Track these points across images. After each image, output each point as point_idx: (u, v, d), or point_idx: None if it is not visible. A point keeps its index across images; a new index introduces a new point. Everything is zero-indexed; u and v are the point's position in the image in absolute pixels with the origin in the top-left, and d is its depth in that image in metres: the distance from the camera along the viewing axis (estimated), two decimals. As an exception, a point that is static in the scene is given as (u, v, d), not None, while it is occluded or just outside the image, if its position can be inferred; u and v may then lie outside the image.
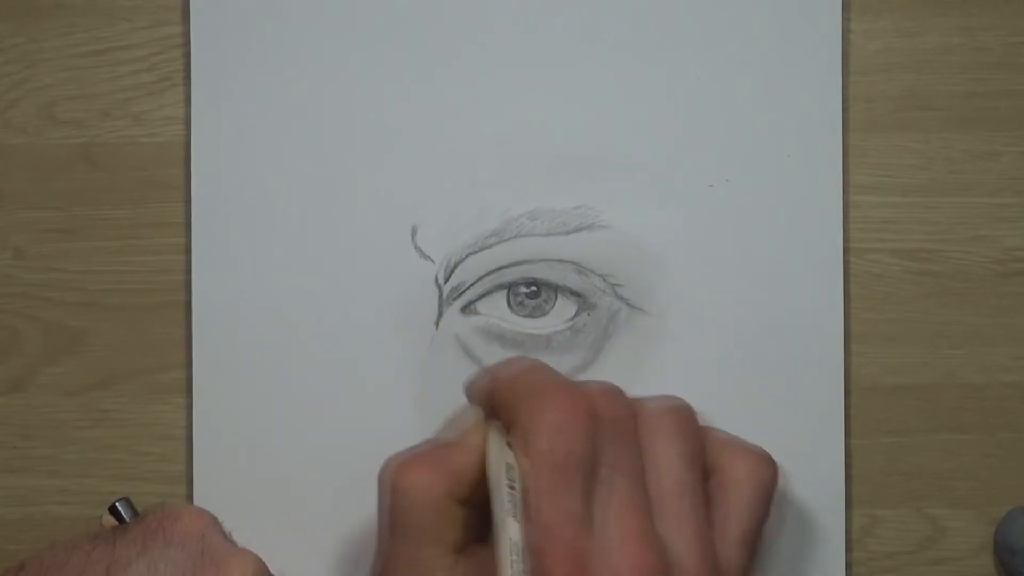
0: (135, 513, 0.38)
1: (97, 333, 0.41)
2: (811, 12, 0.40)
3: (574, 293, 0.40)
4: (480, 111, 0.41)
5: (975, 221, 0.41)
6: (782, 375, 0.40)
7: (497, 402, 0.34)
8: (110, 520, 0.39)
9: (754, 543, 0.35)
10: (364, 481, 0.40)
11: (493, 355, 0.40)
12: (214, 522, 0.39)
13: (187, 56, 0.41)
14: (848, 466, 0.40)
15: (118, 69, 0.41)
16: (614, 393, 0.34)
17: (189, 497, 0.41)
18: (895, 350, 0.41)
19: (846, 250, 0.41)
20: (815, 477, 0.40)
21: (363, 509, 0.40)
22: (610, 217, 0.40)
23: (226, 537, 0.39)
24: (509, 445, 0.33)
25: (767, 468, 0.35)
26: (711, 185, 0.41)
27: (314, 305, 0.41)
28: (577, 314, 0.40)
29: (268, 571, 0.37)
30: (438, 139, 0.41)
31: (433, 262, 0.41)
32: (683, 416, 0.35)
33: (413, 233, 0.41)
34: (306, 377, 0.41)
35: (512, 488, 0.32)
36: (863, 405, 0.41)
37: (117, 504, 0.38)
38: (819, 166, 0.40)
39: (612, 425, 0.33)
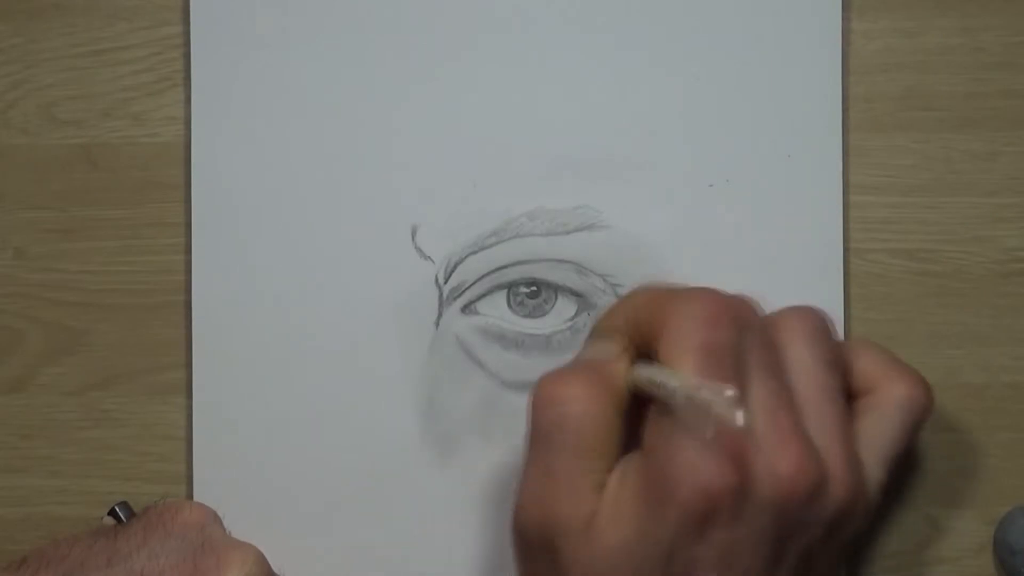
0: (133, 515, 0.39)
1: (97, 333, 0.41)
2: (811, 12, 0.40)
3: (574, 293, 0.40)
4: (480, 111, 0.41)
5: (975, 221, 0.41)
6: (782, 375, 0.40)
7: (640, 317, 0.34)
8: (110, 522, 0.39)
9: (895, 466, 0.35)
10: (364, 481, 0.40)
11: (493, 355, 0.40)
12: (215, 516, 0.39)
13: (187, 56, 0.41)
14: (848, 466, 0.40)
15: (118, 69, 0.41)
16: (750, 301, 0.34)
17: (189, 497, 0.41)
18: (895, 350, 0.41)
19: (846, 250, 0.40)
20: (815, 477, 0.40)
21: (362, 508, 0.40)
22: (610, 217, 0.40)
23: (226, 531, 0.39)
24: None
25: (924, 393, 0.35)
26: (711, 185, 0.41)
27: (314, 305, 0.41)
28: (577, 314, 0.40)
29: (268, 564, 0.37)
30: (438, 139, 0.41)
31: (433, 262, 0.41)
32: (820, 322, 0.35)
33: (413, 233, 0.41)
34: (306, 377, 0.41)
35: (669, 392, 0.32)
36: (863, 405, 0.41)
37: (116, 507, 0.39)
38: (819, 166, 0.40)
39: (752, 327, 0.33)
